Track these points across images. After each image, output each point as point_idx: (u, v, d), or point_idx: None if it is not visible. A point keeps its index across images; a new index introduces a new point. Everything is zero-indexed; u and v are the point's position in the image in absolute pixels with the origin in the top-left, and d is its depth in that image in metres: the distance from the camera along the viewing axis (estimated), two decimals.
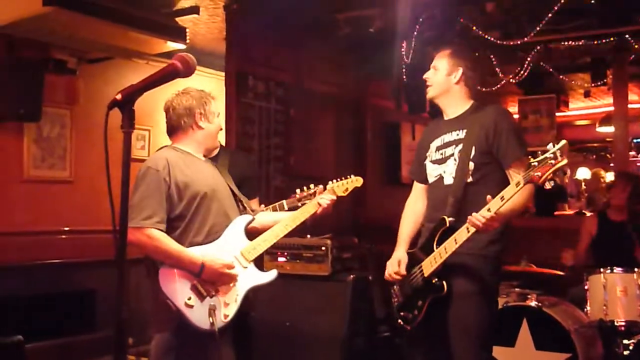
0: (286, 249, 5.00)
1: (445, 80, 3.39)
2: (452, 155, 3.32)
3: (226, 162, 3.91)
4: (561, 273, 5.06)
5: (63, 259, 6.13)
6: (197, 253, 2.99)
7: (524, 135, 3.43)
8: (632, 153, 11.87)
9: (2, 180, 5.78)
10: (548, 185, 2.79)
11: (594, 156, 13.22)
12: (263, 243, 3.20)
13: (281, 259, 5.02)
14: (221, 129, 3.31)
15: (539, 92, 7.86)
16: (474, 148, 3.24)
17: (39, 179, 6.07)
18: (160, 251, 2.95)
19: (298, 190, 3.73)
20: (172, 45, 5.80)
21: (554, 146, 2.71)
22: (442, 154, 3.38)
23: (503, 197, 2.88)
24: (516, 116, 7.88)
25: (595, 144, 12.60)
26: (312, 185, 3.71)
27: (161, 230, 2.95)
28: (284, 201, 3.77)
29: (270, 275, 3.21)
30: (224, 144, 4.30)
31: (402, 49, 6.11)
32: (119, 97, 1.93)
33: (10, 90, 5.55)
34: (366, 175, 7.25)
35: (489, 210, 2.90)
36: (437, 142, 3.43)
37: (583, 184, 10.84)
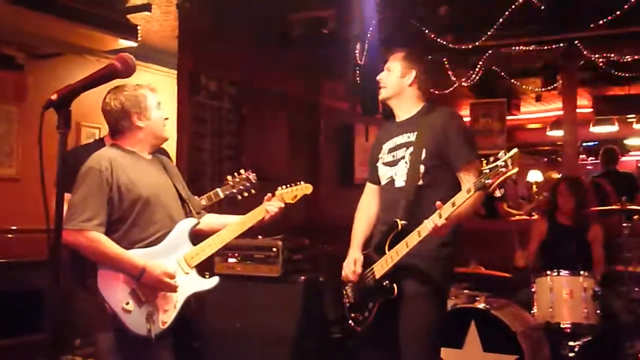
0: (237, 249, 4.96)
1: (398, 82, 3.40)
2: (403, 157, 3.32)
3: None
4: (509, 275, 5.11)
5: (9, 259, 5.99)
6: (139, 257, 2.92)
7: (475, 138, 3.43)
8: (583, 156, 12.13)
9: None
10: (498, 193, 2.81)
11: (545, 159, 13.45)
12: (207, 249, 3.13)
13: (232, 260, 4.99)
14: (167, 119, 3.18)
15: (491, 96, 7.96)
16: (424, 151, 3.25)
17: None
18: (99, 254, 2.87)
19: (229, 177, 3.77)
20: (124, 43, 5.73)
21: (505, 154, 2.73)
22: (393, 156, 3.39)
23: (454, 203, 2.89)
24: (467, 119, 7.96)
25: (546, 147, 12.82)
26: (242, 170, 3.77)
27: (101, 233, 2.87)
28: (218, 189, 3.79)
29: (212, 282, 3.14)
30: (175, 142, 4.22)
31: (356, 50, 6.11)
32: (54, 97, 1.87)
33: None
34: (320, 176, 7.26)
35: (440, 216, 2.91)
36: (389, 144, 3.44)
37: (534, 186, 11.00)
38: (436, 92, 7.20)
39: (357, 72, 6.47)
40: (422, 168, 3.24)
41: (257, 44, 6.19)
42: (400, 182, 3.31)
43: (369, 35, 5.81)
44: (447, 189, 3.11)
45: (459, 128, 3.29)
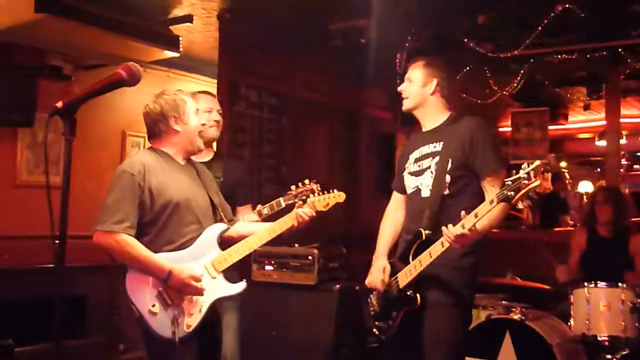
0: (274, 257, 5.02)
1: (420, 92, 3.39)
2: (429, 167, 3.33)
3: (220, 168, 3.95)
4: (548, 287, 5.04)
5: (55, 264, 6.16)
6: (166, 260, 2.99)
7: (501, 148, 3.43)
8: (637, 166, 11.86)
9: None
10: (521, 205, 2.81)
11: (598, 169, 13.19)
12: (235, 254, 3.18)
13: (268, 267, 5.05)
14: (204, 125, 3.28)
15: (537, 105, 7.85)
16: (450, 160, 3.24)
17: (33, 184, 6.10)
18: (128, 256, 2.96)
19: (293, 187, 3.77)
20: (167, 53, 5.85)
21: (528, 166, 2.72)
22: (419, 166, 3.39)
23: (477, 214, 2.89)
24: (509, 129, 7.88)
25: (598, 157, 12.57)
26: (306, 181, 3.75)
27: (131, 235, 2.96)
28: (281, 198, 3.80)
29: (239, 287, 3.19)
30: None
31: (396, 60, 6.13)
32: (59, 105, 1.95)
33: (4, 95, 5.61)
34: (360, 185, 7.29)
35: (462, 226, 2.91)
36: (415, 154, 3.44)
37: (585, 197, 10.80)
38: (478, 101, 7.18)
39: (397, 81, 6.48)
40: (447, 178, 3.24)
41: (297, 54, 6.27)
42: (425, 192, 3.32)
43: (407, 44, 5.83)
44: (473, 198, 3.11)
45: (486, 137, 3.27)
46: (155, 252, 3.00)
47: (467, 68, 6.36)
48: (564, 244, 5.37)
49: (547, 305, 4.97)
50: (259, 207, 3.90)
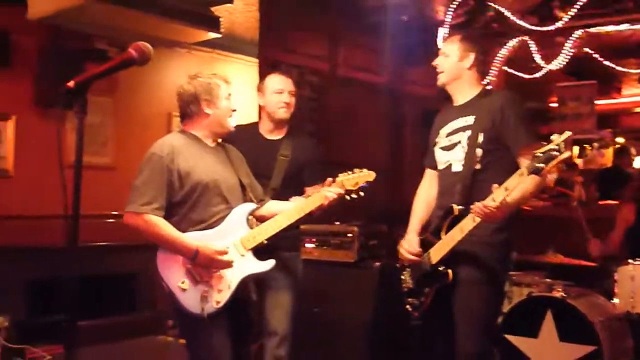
0: (314, 235, 5.06)
1: (456, 66, 3.36)
2: (460, 142, 3.30)
3: (288, 147, 3.95)
4: (592, 264, 4.95)
5: (109, 242, 6.34)
6: (193, 239, 3.05)
7: (532, 121, 3.37)
8: None
9: (46, 166, 5.99)
10: (550, 177, 2.76)
11: None
12: (263, 232, 3.21)
13: (309, 245, 5.08)
14: (234, 111, 3.31)
15: (587, 79, 7.65)
16: (481, 134, 3.21)
17: (82, 165, 6.25)
18: (156, 236, 3.04)
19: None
20: (209, 35, 5.91)
21: (558, 137, 2.67)
22: (450, 140, 3.37)
23: (507, 187, 2.86)
24: (555, 104, 7.71)
25: None
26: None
27: (159, 216, 3.03)
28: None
29: (267, 265, 3.22)
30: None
31: (437, 36, 6.07)
32: (71, 84, 1.99)
33: (53, 79, 5.77)
34: (404, 163, 7.25)
35: (493, 200, 2.89)
36: (446, 129, 3.42)
37: None
38: (525, 76, 7.05)
39: None
40: (479, 152, 3.20)
41: (339, 33, 6.26)
42: (457, 167, 3.30)
43: (448, 20, 5.75)
44: (505, 173, 3.03)
45: (518, 111, 3.23)
46: (184, 231, 3.07)
47: (512, 42, 6.23)
48: (606, 219, 5.25)
49: (591, 282, 4.88)
50: (308, 190, 3.82)
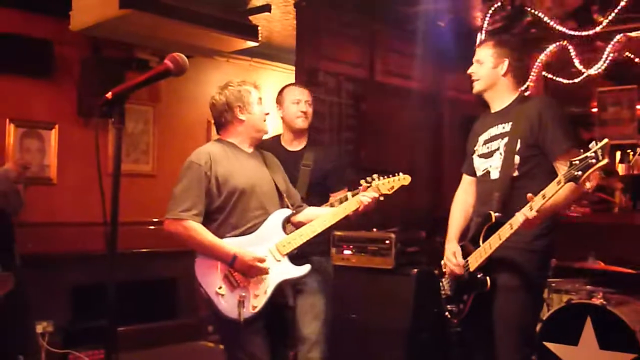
0: (352, 242, 5.07)
1: (491, 73, 3.34)
2: (498, 149, 3.29)
3: (311, 156, 4.03)
4: (634, 271, 4.87)
5: (150, 249, 6.45)
6: (231, 244, 3.12)
7: (571, 126, 3.30)
8: None
9: (89, 174, 6.12)
10: (588, 185, 2.74)
11: None
12: (299, 238, 3.26)
13: (347, 252, 5.10)
14: (267, 114, 3.38)
15: (627, 84, 7.53)
16: (519, 141, 3.19)
17: (124, 173, 6.25)
18: (195, 242, 3.12)
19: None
20: (247, 43, 5.98)
21: (596, 144, 2.66)
22: (488, 147, 3.36)
23: (544, 195, 2.85)
24: (595, 109, 7.59)
25: None
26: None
27: (198, 222, 3.10)
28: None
29: (303, 270, 3.27)
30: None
31: (475, 41, 6.04)
32: (109, 95, 2.05)
33: (95, 88, 5.90)
34: (443, 168, 7.23)
35: (531, 208, 2.88)
36: (484, 136, 3.41)
37: None
38: (564, 81, 6.98)
39: None
40: (517, 159, 3.19)
41: (375, 39, 6.28)
42: (495, 174, 3.29)
43: (485, 25, 5.74)
44: (544, 179, 3.01)
45: (555, 116, 3.19)
46: (222, 237, 3.14)
47: (551, 47, 6.18)
48: None
49: (633, 290, 4.81)
50: (331, 199, 3.92)
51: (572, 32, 5.54)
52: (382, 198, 3.47)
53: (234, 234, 3.17)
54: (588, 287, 4.73)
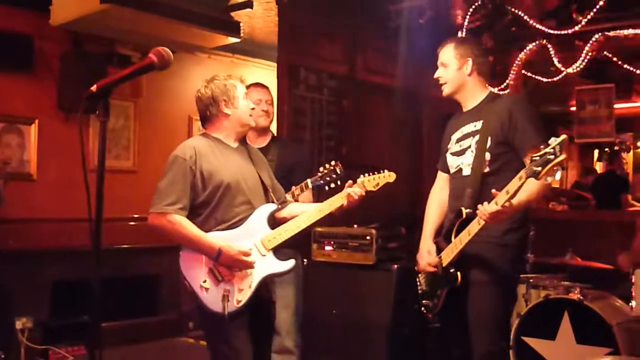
0: (333, 237, 5.09)
1: (457, 75, 3.36)
2: (470, 146, 3.32)
3: (275, 151, 4.16)
4: (610, 267, 4.95)
5: (130, 244, 6.43)
6: (217, 238, 3.13)
7: (541, 123, 3.29)
8: None
9: (70, 169, 6.10)
10: (549, 179, 2.77)
11: None
12: (284, 233, 3.28)
13: (328, 248, 5.12)
14: (253, 109, 3.44)
15: (606, 82, 7.62)
16: (489, 138, 3.23)
17: (105, 169, 6.34)
18: (180, 235, 3.13)
19: (321, 168, 3.89)
20: (229, 39, 5.98)
21: (555, 141, 2.69)
22: (460, 145, 3.40)
23: (508, 191, 2.90)
24: (574, 108, 7.68)
25: None
26: (333, 162, 3.87)
27: (183, 216, 3.12)
28: (309, 180, 3.96)
29: (288, 264, 3.30)
30: (275, 134, 4.54)
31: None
32: (94, 88, 2.05)
33: (76, 83, 5.87)
34: (422, 165, 7.27)
35: (496, 203, 2.92)
36: (456, 135, 3.45)
37: None
38: (544, 79, 7.05)
39: None
40: (487, 156, 3.23)
41: (357, 37, 6.30)
42: (467, 171, 3.32)
43: (466, 23, 5.78)
44: (514, 176, 3.05)
45: (525, 113, 3.23)
46: (207, 231, 3.15)
47: (531, 46, 6.25)
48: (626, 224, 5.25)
49: (609, 286, 4.88)
50: (293, 188, 4.03)
51: (551, 31, 5.58)
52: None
53: (219, 228, 3.19)
54: (565, 282, 4.80)
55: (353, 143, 6.42)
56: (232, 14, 5.84)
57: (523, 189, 2.86)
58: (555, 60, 6.27)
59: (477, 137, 3.29)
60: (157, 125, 6.88)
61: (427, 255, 3.43)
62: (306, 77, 6.07)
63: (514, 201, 2.90)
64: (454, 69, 3.37)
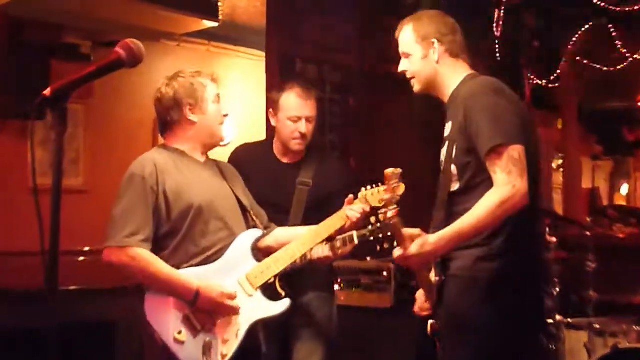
0: (340, 273, 5.07)
1: (424, 66, 3.21)
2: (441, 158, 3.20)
3: (311, 170, 4.00)
4: None
5: (81, 285, 6.39)
6: (192, 277, 3.10)
7: (508, 117, 2.97)
8: None
9: (5, 190, 6.07)
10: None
11: None
12: (274, 265, 3.28)
13: (335, 287, 5.08)
14: (225, 116, 3.38)
15: None
16: (455, 145, 3.06)
17: (47, 189, 6.29)
18: (146, 275, 3.10)
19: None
20: (204, 23, 5.98)
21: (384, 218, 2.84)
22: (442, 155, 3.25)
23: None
24: None
25: None
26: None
27: (147, 250, 3.09)
28: (354, 233, 3.56)
29: (282, 305, 3.28)
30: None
31: (493, 19, 6.10)
32: (48, 92, 2.03)
33: (12, 82, 5.85)
34: None
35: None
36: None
37: None
38: (604, 68, 7.05)
39: (497, 46, 6.45)
40: (453, 169, 3.06)
41: (367, 17, 6.31)
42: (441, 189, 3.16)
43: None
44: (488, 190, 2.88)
45: (483, 105, 2.98)
46: (178, 268, 3.13)
47: (587, 26, 6.24)
48: None
49: None
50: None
51: (612, 7, 5.57)
52: (376, 218, 3.44)
53: (192, 263, 3.16)
54: (635, 327, 4.75)
55: (363, 152, 6.39)
56: None
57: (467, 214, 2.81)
58: (618, 44, 6.26)
59: (446, 145, 3.14)
60: (113, 133, 6.85)
61: (418, 302, 3.39)
62: (303, 69, 6.07)
63: (435, 238, 2.85)
64: (418, 58, 3.22)
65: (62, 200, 1.86)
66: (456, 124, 3.06)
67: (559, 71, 6.66)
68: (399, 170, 3.03)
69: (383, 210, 3.00)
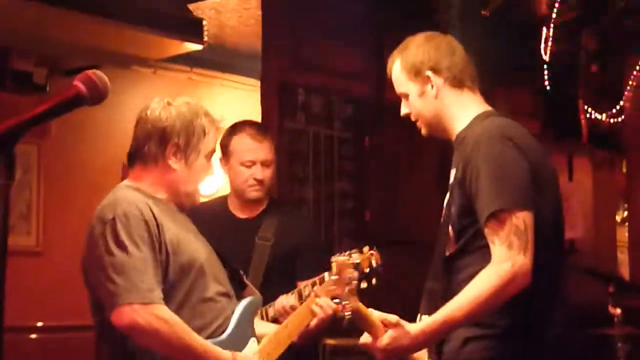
0: (347, 354, 5.09)
1: (426, 106, 3.20)
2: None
3: (273, 226, 4.12)
4: None
5: None
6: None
7: (513, 174, 2.92)
8: None
9: None
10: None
11: None
12: (278, 345, 3.28)
13: None
14: (210, 175, 3.32)
15: None
16: (453, 203, 3.07)
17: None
18: (182, 344, 2.91)
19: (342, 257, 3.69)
20: (186, 46, 6.04)
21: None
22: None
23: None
24: None
25: None
26: (364, 248, 3.66)
27: None
28: (326, 274, 3.68)
29: None
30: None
31: (541, 39, 6.18)
32: None
33: None
34: None
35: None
36: None
37: None
38: None
39: (545, 72, 6.52)
40: (450, 230, 3.06)
41: (385, 39, 6.38)
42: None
43: (554, 15, 5.87)
44: (486, 259, 2.86)
45: (486, 157, 2.95)
46: None
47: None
48: None
49: None
50: (299, 284, 3.93)
51: None
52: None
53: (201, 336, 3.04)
54: None
55: (382, 203, 6.43)
56: (191, 6, 5.91)
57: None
58: None
59: (446, 199, 3.16)
60: (72, 180, 6.89)
61: None
62: (307, 101, 6.12)
63: (425, 325, 2.86)
64: (415, 97, 3.21)
65: (7, 265, 1.84)
66: (458, 175, 3.03)
67: (622, 102, 6.70)
68: (356, 259, 3.19)
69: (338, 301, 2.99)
